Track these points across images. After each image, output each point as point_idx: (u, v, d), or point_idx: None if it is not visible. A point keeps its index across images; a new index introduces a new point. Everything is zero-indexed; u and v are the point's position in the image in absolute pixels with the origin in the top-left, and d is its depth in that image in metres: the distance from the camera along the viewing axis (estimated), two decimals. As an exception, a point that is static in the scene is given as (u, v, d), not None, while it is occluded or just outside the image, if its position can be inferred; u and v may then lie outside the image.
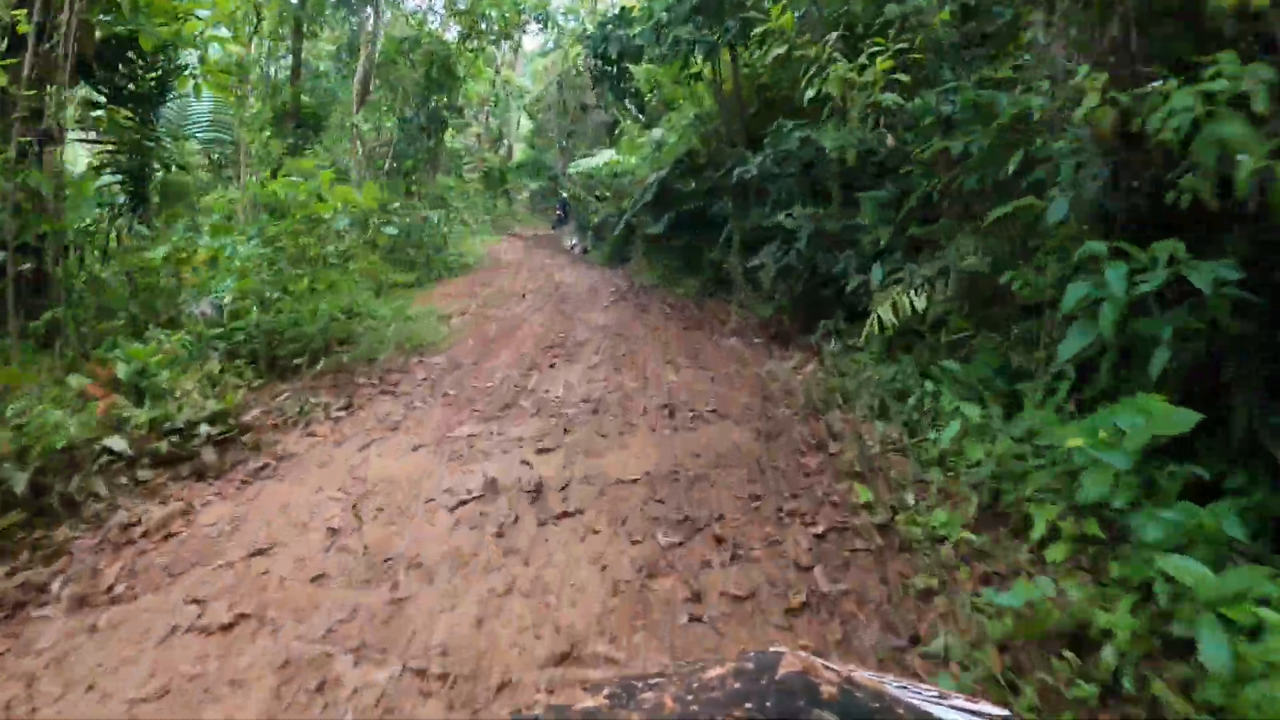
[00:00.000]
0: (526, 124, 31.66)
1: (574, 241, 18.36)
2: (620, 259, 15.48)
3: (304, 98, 13.49)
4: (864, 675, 0.54)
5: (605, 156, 14.59)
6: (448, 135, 18.34)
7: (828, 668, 0.53)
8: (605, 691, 0.55)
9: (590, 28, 13.31)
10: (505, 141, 28.00)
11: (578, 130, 19.42)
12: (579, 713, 0.53)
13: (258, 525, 3.52)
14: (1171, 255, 2.74)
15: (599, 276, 12.94)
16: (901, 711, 0.49)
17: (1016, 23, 4.79)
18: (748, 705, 0.48)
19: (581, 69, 18.69)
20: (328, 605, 2.84)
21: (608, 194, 16.18)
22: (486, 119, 23.16)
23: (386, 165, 15.27)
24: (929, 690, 0.60)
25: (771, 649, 0.57)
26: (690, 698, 0.51)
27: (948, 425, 3.82)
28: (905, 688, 0.58)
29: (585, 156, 15.04)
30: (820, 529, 3.43)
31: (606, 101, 19.80)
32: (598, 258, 16.31)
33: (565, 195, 19.20)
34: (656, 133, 13.60)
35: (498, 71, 25.49)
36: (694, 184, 10.80)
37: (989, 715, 0.58)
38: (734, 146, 9.65)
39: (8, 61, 4.65)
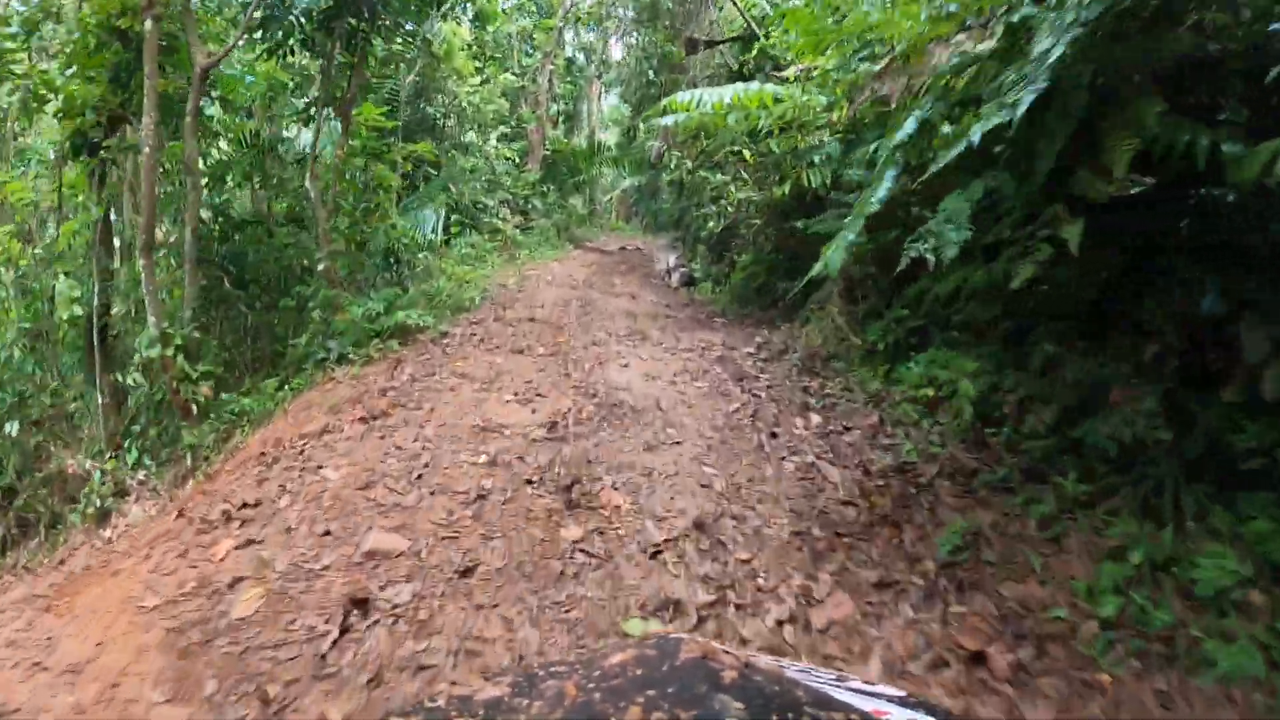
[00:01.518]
0: (613, 101, 24.21)
1: (671, 262, 10.38)
2: (768, 305, 7.37)
3: None
4: (763, 660, 0.56)
5: (731, 91, 6.50)
6: (465, 90, 10.92)
7: (727, 652, 0.53)
8: (508, 680, 0.55)
9: None
10: (585, 123, 20.62)
11: (683, 67, 11.71)
12: (482, 702, 0.52)
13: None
14: None
15: (721, 376, 4.89)
16: (800, 694, 0.49)
17: None
18: (649, 692, 0.48)
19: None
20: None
21: (732, 171, 8.08)
22: (549, 82, 15.81)
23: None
24: (828, 674, 0.64)
25: (671, 635, 0.58)
26: (592, 685, 0.50)
27: None
28: (805, 671, 0.60)
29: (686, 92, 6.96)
30: None
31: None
32: (718, 300, 8.23)
33: (677, 250, 11.14)
34: None
35: (569, 21, 18.12)
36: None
37: (886, 696, 0.58)
38: None
39: None
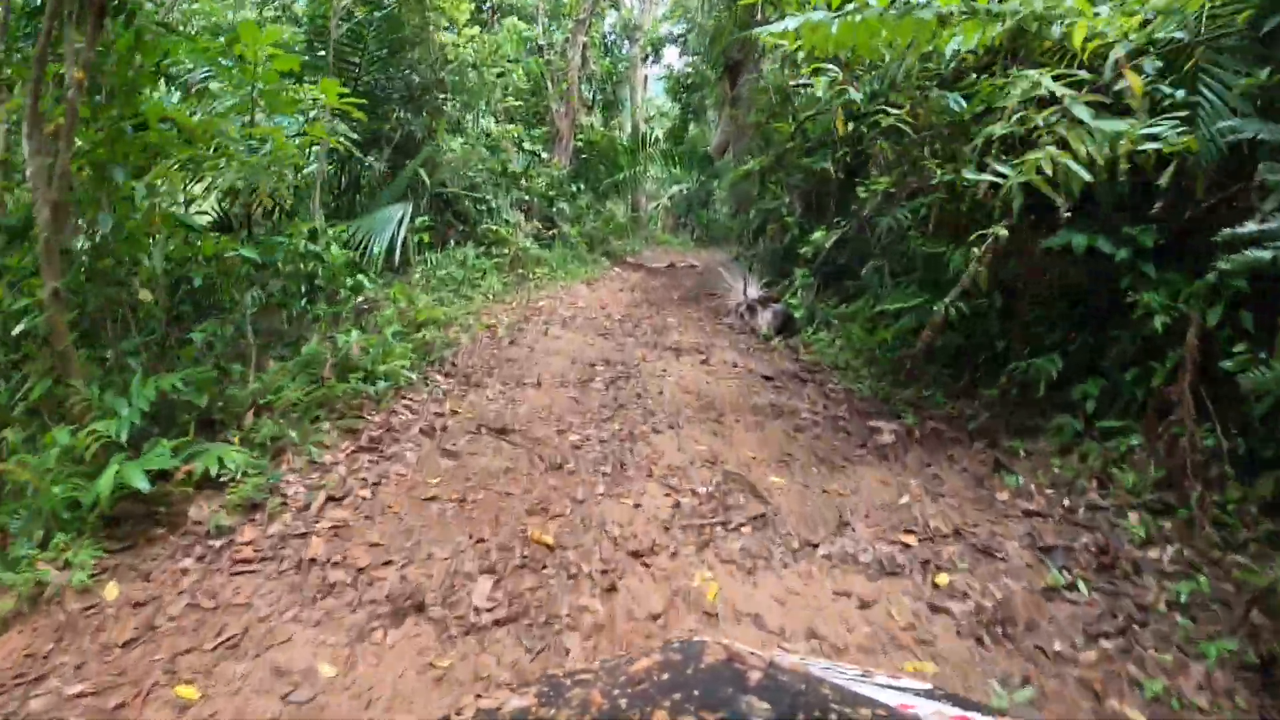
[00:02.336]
0: (659, 94, 21.05)
1: (753, 293, 6.84)
2: (960, 390, 3.80)
3: None
4: (788, 659, 0.55)
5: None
6: (453, 41, 7.63)
7: (752, 654, 0.53)
8: (534, 690, 0.55)
9: None
10: (627, 114, 17.28)
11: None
12: (509, 713, 0.52)
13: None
14: None
15: None
16: (827, 691, 0.49)
17: None
18: (675, 695, 0.48)
19: None
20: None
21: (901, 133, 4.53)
22: (582, 57, 12.50)
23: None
24: (853, 669, 0.62)
25: (695, 638, 0.57)
26: (618, 691, 0.50)
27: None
28: (829, 668, 0.59)
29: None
30: None
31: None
32: (851, 367, 4.66)
33: (752, 273, 7.69)
34: None
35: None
36: None
37: (912, 690, 0.58)
38: None
39: None
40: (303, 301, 5.07)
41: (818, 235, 6.44)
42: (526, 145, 10.31)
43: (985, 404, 3.94)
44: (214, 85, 4.44)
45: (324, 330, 4.77)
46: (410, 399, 3.47)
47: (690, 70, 16.88)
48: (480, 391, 3.69)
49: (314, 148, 5.58)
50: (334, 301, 5.15)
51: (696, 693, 0.47)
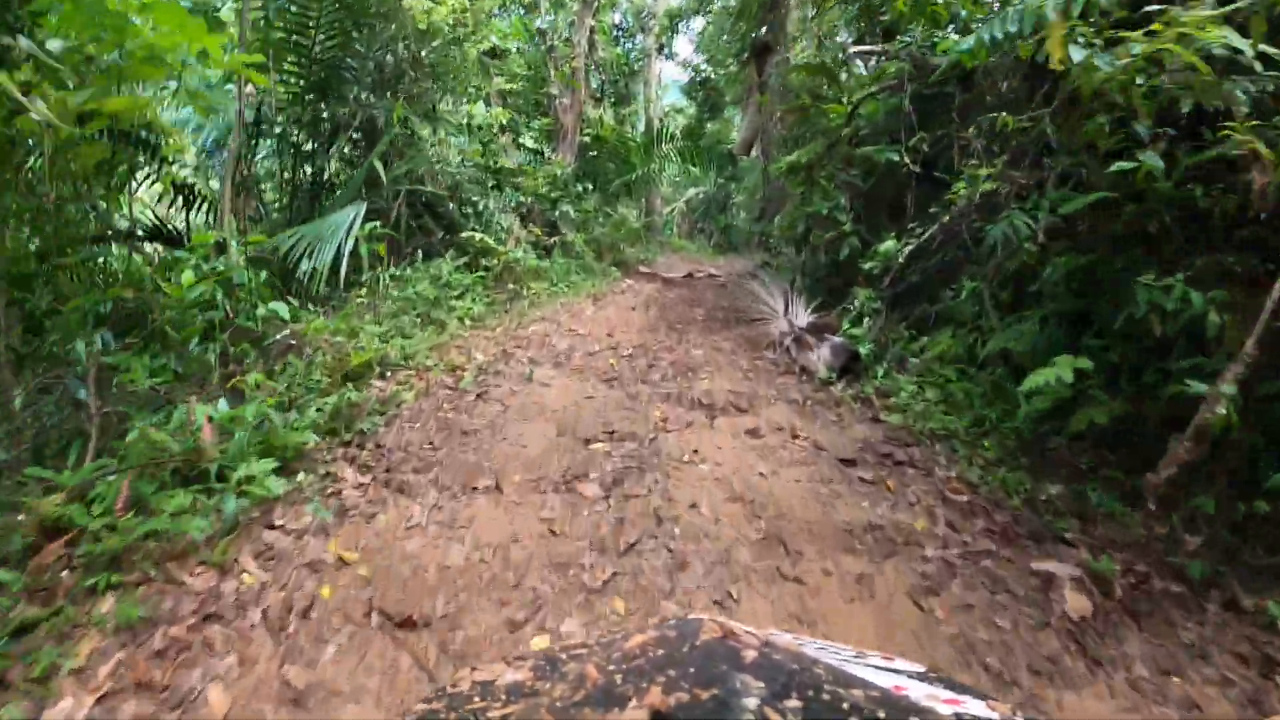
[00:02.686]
0: (675, 96, 19.82)
1: (800, 319, 5.37)
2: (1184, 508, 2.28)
3: None
4: (783, 638, 0.54)
5: None
6: (422, 6, 6.22)
7: (748, 632, 0.52)
8: (529, 664, 0.54)
9: None
10: (641, 109, 15.87)
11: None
12: (504, 686, 0.51)
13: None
14: None
15: None
16: (821, 671, 0.49)
17: None
18: (670, 672, 0.48)
19: None
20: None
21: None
22: (590, 38, 11.12)
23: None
24: (847, 650, 0.62)
25: (691, 616, 0.57)
26: (613, 667, 0.50)
27: None
28: (824, 649, 0.59)
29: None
30: None
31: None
32: (956, 439, 3.14)
33: (791, 287, 6.08)
34: None
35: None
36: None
37: (905, 671, 0.58)
38: None
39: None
40: (194, 344, 3.71)
41: (887, 246, 4.99)
42: (527, 141, 8.94)
43: (1189, 521, 2.48)
44: (53, 44, 3.09)
45: (215, 386, 3.40)
46: (279, 528, 2.08)
47: (708, 58, 15.47)
48: (401, 506, 2.29)
49: (214, 134, 4.22)
50: (239, 340, 3.78)
51: (691, 669, 0.47)
